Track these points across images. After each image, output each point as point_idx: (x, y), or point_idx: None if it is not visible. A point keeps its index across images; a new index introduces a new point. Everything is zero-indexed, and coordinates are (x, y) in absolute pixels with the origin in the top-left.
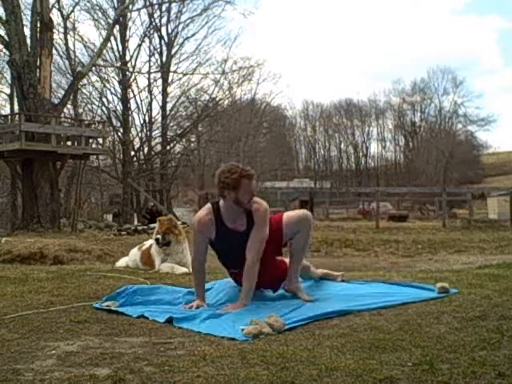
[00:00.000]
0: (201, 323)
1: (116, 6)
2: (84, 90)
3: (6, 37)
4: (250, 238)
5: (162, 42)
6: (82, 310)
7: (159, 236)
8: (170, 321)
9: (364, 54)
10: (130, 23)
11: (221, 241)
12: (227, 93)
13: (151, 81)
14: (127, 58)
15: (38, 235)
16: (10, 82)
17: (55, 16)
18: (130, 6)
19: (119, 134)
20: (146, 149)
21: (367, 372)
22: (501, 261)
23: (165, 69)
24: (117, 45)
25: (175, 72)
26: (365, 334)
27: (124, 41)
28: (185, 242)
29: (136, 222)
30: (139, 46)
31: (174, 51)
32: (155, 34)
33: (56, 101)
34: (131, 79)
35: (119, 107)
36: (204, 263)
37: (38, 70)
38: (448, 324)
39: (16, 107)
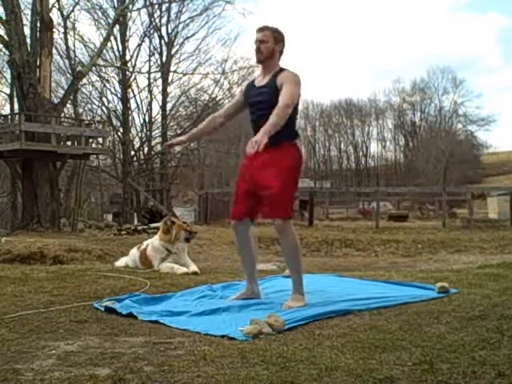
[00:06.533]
0: (190, 318)
1: (116, 5)
2: (84, 90)
3: (5, 37)
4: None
5: (162, 41)
6: (82, 310)
7: (188, 236)
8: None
9: (364, 53)
10: (130, 23)
11: (247, 97)
12: (227, 93)
13: (151, 81)
14: (127, 57)
15: (38, 235)
16: (9, 81)
17: (55, 16)
18: (130, 6)
19: (119, 133)
20: (146, 149)
21: (367, 372)
22: (501, 260)
23: (165, 69)
24: (117, 45)
25: (175, 72)
26: (365, 333)
27: (124, 41)
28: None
29: (136, 222)
30: (139, 45)
31: (173, 51)
32: (155, 34)
33: (56, 100)
34: (131, 79)
35: (119, 107)
36: (220, 119)
37: (37, 70)
38: (448, 324)
39: (16, 107)
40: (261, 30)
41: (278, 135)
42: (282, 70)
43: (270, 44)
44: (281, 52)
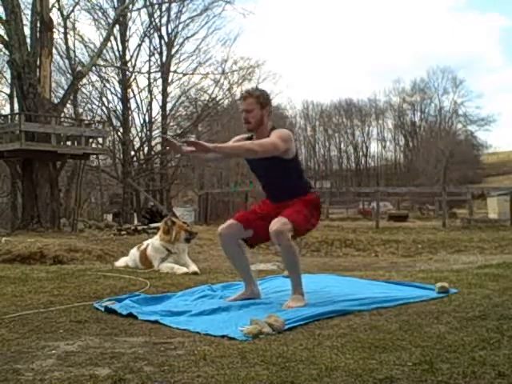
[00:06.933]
0: (190, 318)
1: (116, 5)
2: (84, 90)
3: (5, 36)
4: None
5: (162, 41)
6: (82, 310)
7: (188, 236)
8: (156, 320)
9: (364, 53)
10: (130, 23)
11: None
12: (227, 93)
13: (151, 81)
14: (127, 57)
15: (38, 235)
16: (9, 81)
17: (55, 16)
18: (130, 6)
19: (119, 133)
20: (146, 149)
21: (367, 372)
22: (501, 261)
23: (165, 69)
24: (117, 45)
25: (175, 72)
26: (365, 333)
27: (124, 41)
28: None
29: (136, 222)
30: (139, 45)
31: (173, 51)
32: (155, 34)
33: (56, 100)
34: (131, 79)
35: (119, 107)
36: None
37: (37, 70)
38: (448, 324)
39: (16, 107)
40: (244, 98)
41: (293, 192)
42: (272, 129)
43: (257, 112)
44: (269, 113)
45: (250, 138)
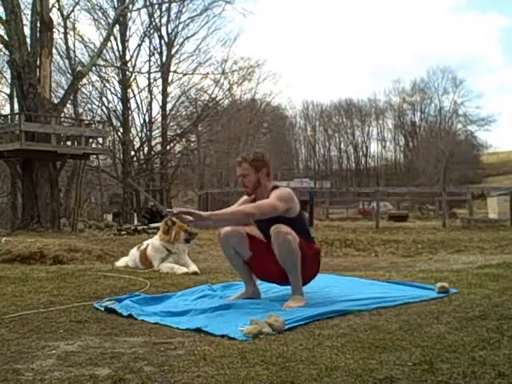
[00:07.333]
0: (190, 318)
1: (116, 5)
2: (84, 90)
3: (5, 36)
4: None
5: (162, 41)
6: (82, 310)
7: (188, 237)
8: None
9: (364, 53)
10: (130, 23)
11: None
12: (227, 93)
13: (151, 81)
14: (127, 57)
15: (38, 235)
16: (9, 81)
17: (55, 16)
18: (130, 6)
19: (119, 133)
20: (146, 149)
21: (367, 372)
22: (501, 261)
23: (165, 69)
24: (117, 45)
25: (175, 72)
26: (365, 333)
27: (124, 41)
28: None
29: (136, 222)
30: (139, 45)
31: (173, 51)
32: (155, 34)
33: (56, 100)
34: (131, 79)
35: (119, 107)
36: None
37: (37, 70)
38: (448, 324)
39: (16, 107)
40: (239, 163)
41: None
42: (273, 188)
43: (252, 176)
44: (268, 173)
45: (254, 200)
